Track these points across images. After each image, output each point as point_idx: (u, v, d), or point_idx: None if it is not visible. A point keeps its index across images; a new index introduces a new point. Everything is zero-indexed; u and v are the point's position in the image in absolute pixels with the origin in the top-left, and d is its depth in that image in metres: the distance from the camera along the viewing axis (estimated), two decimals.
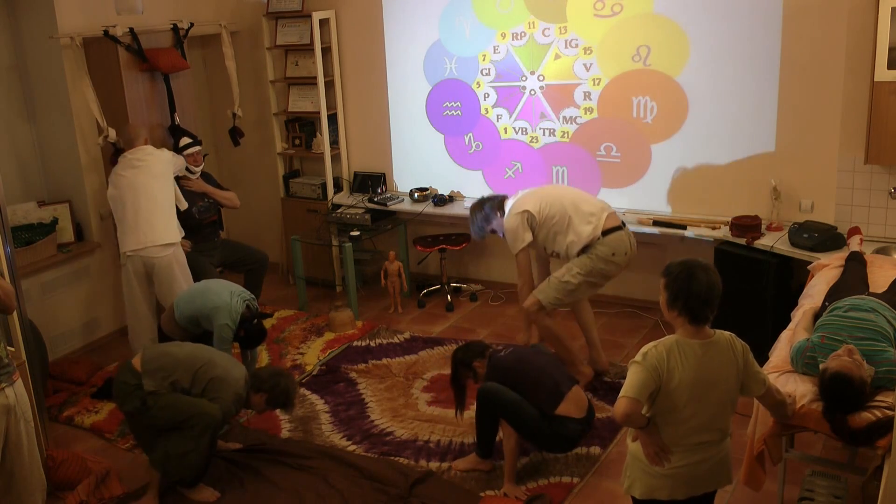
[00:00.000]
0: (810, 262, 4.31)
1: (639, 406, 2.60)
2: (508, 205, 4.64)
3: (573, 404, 3.72)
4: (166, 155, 5.08)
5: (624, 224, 4.52)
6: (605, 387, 4.61)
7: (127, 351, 5.38)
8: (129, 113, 5.27)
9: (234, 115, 6.10)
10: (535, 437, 3.77)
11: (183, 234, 5.01)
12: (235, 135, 6.09)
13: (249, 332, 4.42)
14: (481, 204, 4.76)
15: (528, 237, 4.48)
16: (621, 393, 2.61)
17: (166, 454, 3.67)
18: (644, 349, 2.64)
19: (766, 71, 4.85)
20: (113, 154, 5.22)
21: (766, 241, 4.68)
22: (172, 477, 3.73)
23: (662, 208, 5.37)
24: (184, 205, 5.18)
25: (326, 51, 6.16)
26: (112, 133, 5.16)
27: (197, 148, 5.41)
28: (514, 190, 5.64)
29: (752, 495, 3.45)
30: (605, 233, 4.40)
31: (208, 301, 4.38)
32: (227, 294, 4.39)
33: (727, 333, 2.72)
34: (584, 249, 4.42)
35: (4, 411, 3.03)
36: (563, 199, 4.50)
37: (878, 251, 4.33)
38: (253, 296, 4.57)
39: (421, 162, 6.22)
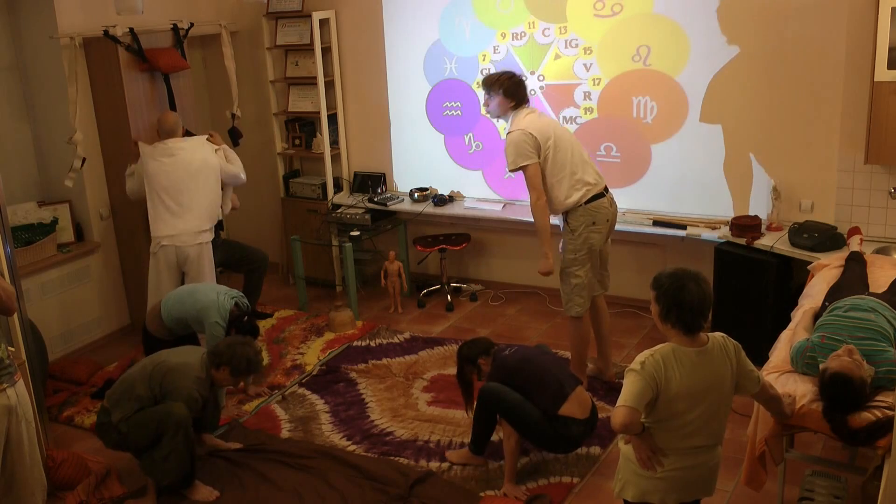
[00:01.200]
0: (810, 262, 4.31)
1: (637, 415, 2.59)
2: (522, 114, 4.31)
3: (577, 405, 3.71)
4: (212, 150, 5.11)
5: (607, 190, 4.41)
6: (606, 387, 4.61)
7: (127, 350, 5.40)
8: (130, 113, 5.27)
9: (233, 115, 6.10)
10: (537, 438, 3.77)
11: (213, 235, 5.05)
12: (234, 135, 6.08)
13: (241, 330, 4.43)
14: (512, 81, 4.33)
15: (532, 158, 4.22)
16: (619, 402, 2.60)
17: (152, 460, 3.70)
18: (641, 357, 2.63)
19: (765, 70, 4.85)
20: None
21: (766, 241, 4.67)
22: (161, 481, 3.74)
23: (662, 208, 5.37)
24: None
25: (326, 51, 6.16)
26: (79, 137, 5.11)
27: None
28: (517, 190, 5.69)
29: (752, 495, 3.45)
30: (588, 201, 4.31)
31: (197, 301, 4.40)
32: (214, 293, 4.43)
33: (719, 335, 2.72)
34: (565, 216, 4.36)
35: (6, 412, 3.03)
36: (567, 157, 4.30)
37: (878, 251, 4.33)
38: (242, 294, 4.60)
39: (421, 162, 6.22)
